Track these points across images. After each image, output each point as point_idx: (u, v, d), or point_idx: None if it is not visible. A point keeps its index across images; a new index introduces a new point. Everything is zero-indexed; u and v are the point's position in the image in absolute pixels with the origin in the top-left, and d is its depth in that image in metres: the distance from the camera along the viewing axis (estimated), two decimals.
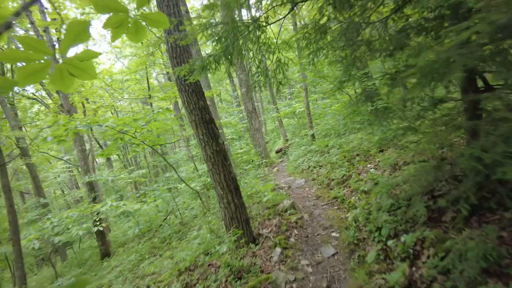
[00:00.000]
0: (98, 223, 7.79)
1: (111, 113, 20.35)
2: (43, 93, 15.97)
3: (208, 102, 9.06)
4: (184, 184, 7.74)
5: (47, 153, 16.36)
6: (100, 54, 1.86)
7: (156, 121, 6.28)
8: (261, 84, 3.14)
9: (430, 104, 2.37)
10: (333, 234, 3.95)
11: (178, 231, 7.02)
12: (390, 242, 2.88)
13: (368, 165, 5.35)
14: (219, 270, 3.49)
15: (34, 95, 16.41)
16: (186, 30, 2.95)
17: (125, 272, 6.08)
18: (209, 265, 3.92)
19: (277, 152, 12.73)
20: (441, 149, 4.12)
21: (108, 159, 19.30)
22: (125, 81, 17.72)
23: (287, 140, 13.26)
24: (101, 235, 8.95)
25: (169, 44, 3.77)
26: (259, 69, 3.06)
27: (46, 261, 10.21)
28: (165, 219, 8.00)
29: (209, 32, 2.53)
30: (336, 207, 4.88)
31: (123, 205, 7.80)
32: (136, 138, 6.12)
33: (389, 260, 2.81)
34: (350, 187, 5.09)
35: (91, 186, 9.56)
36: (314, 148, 8.64)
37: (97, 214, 7.89)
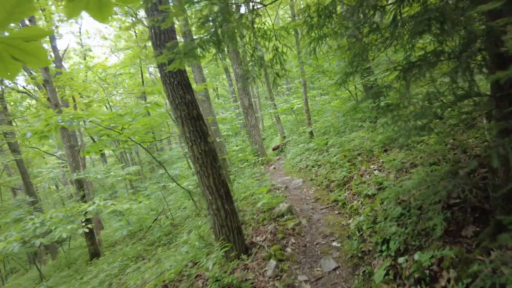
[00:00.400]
0: (84, 224, 7.38)
1: (105, 107, 19.80)
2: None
3: (202, 97, 8.58)
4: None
5: (38, 148, 15.84)
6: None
7: (145, 117, 5.85)
8: (256, 75, 2.74)
9: (457, 99, 1.98)
10: (334, 243, 3.58)
11: (168, 233, 6.64)
12: (401, 260, 2.50)
13: (371, 166, 4.97)
14: (207, 285, 3.12)
15: (25, 88, 15.86)
16: (168, 11, 2.54)
17: (111, 277, 5.71)
18: (196, 277, 3.55)
19: (274, 149, 12.36)
20: (453, 150, 3.76)
21: (102, 155, 18.78)
22: (119, 75, 17.16)
23: (284, 137, 12.88)
24: (90, 235, 8.56)
25: (152, 31, 3.34)
26: (253, 58, 2.66)
27: (39, 258, 9.84)
28: (156, 220, 7.61)
29: (193, 10, 2.12)
30: (336, 212, 4.51)
31: (111, 204, 7.39)
32: (122, 134, 5.69)
33: (400, 280, 2.44)
34: (351, 190, 4.72)
35: (80, 184, 9.13)
36: (312, 146, 8.25)
37: (85, 214, 7.47)
